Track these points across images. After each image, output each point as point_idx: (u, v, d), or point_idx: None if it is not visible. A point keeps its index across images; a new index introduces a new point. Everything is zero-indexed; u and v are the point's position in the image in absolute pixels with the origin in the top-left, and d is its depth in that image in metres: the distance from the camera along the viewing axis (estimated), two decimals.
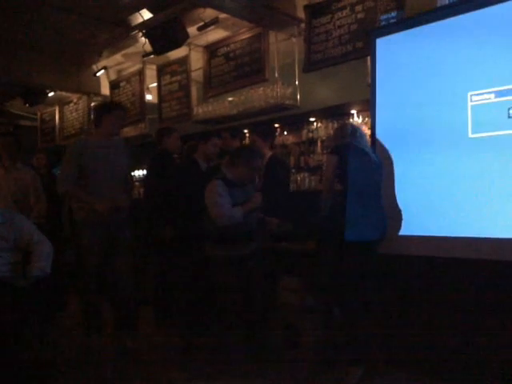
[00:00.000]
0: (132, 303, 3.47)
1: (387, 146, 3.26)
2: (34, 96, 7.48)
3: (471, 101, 2.91)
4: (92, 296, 3.37)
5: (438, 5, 3.67)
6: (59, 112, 8.39)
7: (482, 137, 2.85)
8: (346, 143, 3.02)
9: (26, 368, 2.73)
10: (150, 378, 2.92)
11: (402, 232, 3.19)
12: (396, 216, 3.17)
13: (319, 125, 5.56)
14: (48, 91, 7.46)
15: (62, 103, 8.27)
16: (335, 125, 5.14)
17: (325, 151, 5.46)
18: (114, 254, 3.37)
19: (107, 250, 3.34)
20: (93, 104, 7.27)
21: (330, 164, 3.05)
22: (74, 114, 8.08)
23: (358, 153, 2.98)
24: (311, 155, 5.61)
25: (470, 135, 2.91)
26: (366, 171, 2.99)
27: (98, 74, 7.04)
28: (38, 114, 8.92)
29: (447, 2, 3.68)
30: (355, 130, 3.13)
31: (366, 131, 4.23)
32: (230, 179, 3.24)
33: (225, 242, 3.21)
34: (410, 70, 3.24)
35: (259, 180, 3.67)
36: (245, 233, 3.22)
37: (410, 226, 3.16)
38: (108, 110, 3.42)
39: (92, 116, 3.64)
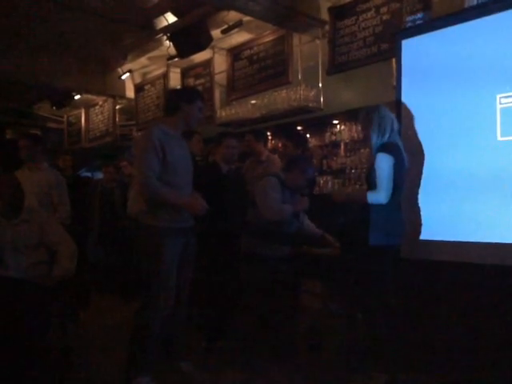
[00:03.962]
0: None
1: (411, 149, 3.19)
2: (61, 99, 7.64)
3: (500, 103, 2.84)
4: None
5: (466, 5, 3.61)
6: (85, 114, 8.55)
7: None
8: (393, 141, 2.83)
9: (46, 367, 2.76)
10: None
11: (424, 236, 3.12)
12: (416, 220, 3.10)
13: (342, 127, 5.51)
14: (74, 94, 7.60)
15: (88, 106, 8.42)
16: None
17: (348, 154, 5.41)
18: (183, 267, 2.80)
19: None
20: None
21: (388, 165, 2.71)
22: (99, 116, 8.22)
23: (401, 153, 2.84)
24: (334, 158, 5.57)
25: (499, 138, 2.84)
26: (402, 172, 2.85)
27: (123, 77, 7.13)
28: (65, 116, 9.09)
29: (475, 2, 3.61)
30: (393, 124, 2.88)
31: None
32: (284, 181, 3.29)
33: (265, 240, 3.23)
34: (436, 71, 3.18)
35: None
36: (285, 234, 3.25)
37: (433, 231, 3.08)
38: (189, 98, 2.81)
39: (166, 100, 3.05)
